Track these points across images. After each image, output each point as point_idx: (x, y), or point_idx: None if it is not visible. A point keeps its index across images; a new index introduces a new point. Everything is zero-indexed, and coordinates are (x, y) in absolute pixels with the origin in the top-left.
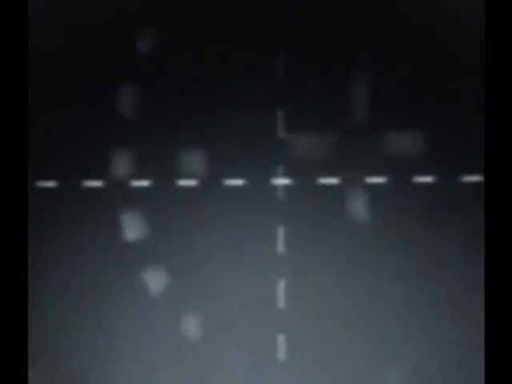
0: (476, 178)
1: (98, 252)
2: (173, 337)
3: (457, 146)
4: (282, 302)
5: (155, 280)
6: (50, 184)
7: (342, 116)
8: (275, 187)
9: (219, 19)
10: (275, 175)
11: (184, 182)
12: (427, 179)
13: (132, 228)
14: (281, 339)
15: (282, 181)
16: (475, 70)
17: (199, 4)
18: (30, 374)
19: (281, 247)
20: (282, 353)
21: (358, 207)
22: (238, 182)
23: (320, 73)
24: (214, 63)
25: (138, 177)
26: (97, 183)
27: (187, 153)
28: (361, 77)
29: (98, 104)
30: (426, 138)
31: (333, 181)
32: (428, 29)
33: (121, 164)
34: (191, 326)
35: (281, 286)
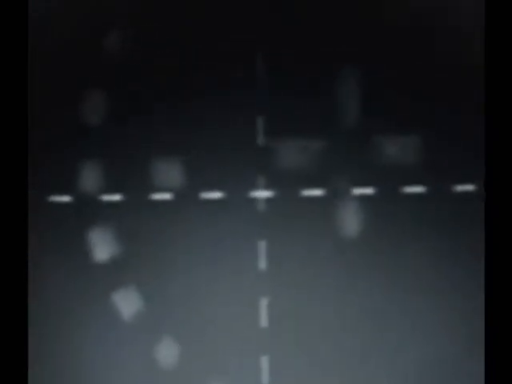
0: (469, 188)
1: (64, 273)
2: (147, 365)
3: (450, 154)
4: (264, 322)
5: (127, 303)
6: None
7: (328, 122)
8: (256, 200)
9: (194, 22)
10: (256, 187)
11: (158, 196)
12: (418, 189)
13: (102, 246)
14: (264, 362)
15: (263, 193)
16: (474, 71)
17: (173, 7)
18: None
19: (262, 263)
20: (265, 376)
21: (346, 220)
22: (216, 194)
23: (304, 74)
24: (188, 68)
25: (109, 191)
26: (64, 198)
27: (161, 164)
28: (349, 78)
29: (61, 112)
30: (419, 144)
31: (318, 192)
32: (423, 27)
33: (89, 177)
34: (167, 352)
35: (263, 304)
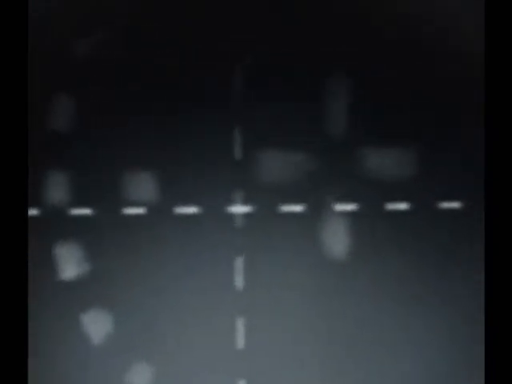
0: (454, 205)
1: (30, 291)
2: None
3: (438, 170)
4: (241, 344)
5: (97, 324)
6: None
7: (310, 133)
8: (233, 215)
9: (167, 31)
10: (233, 202)
11: (130, 210)
12: (402, 206)
13: (70, 263)
14: None
15: (240, 208)
16: (469, 83)
17: (145, 16)
18: None
19: (239, 282)
20: None
21: (328, 238)
22: (191, 209)
23: (284, 83)
24: (162, 79)
25: (78, 204)
26: (31, 211)
27: (134, 177)
28: (335, 87)
29: (29, 118)
30: (409, 158)
31: (298, 208)
32: (412, 36)
33: (57, 189)
34: (140, 377)
35: (240, 324)
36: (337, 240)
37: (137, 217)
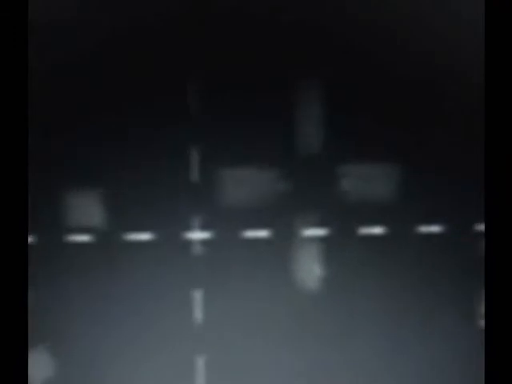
0: (435, 229)
1: None
2: None
3: (418, 192)
4: (201, 383)
5: (38, 366)
6: None
7: (278, 150)
8: (190, 242)
9: (121, 50)
10: (190, 228)
11: (75, 238)
12: (377, 230)
13: None
14: None
15: (198, 234)
16: (459, 95)
17: (106, 34)
18: None
19: (198, 315)
20: None
21: (297, 266)
22: (144, 236)
23: (247, 92)
24: (115, 97)
25: None
26: None
27: (79, 200)
28: (307, 96)
29: None
30: (388, 178)
31: (264, 234)
32: (393, 38)
33: None
34: None
35: (200, 363)
36: (306, 268)
37: (82, 244)
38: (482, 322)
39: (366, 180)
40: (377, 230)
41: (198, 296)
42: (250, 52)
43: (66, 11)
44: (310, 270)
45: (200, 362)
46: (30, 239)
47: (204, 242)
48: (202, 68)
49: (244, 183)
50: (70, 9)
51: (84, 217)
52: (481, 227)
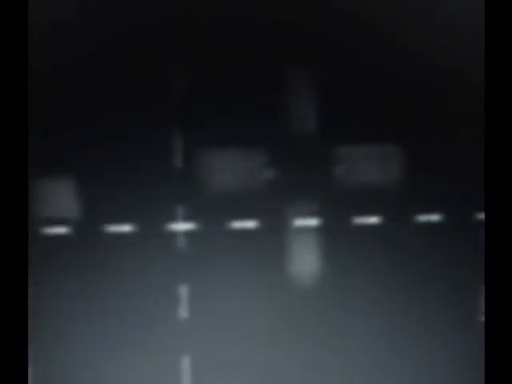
0: (434, 218)
1: None
2: None
3: (416, 180)
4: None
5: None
6: None
7: (267, 132)
8: (174, 234)
9: (104, 33)
10: (173, 218)
11: (51, 230)
12: (374, 220)
13: None
14: None
15: (182, 226)
16: (467, 86)
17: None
18: None
19: (183, 312)
20: None
21: (287, 258)
22: (124, 227)
23: (234, 70)
24: (98, 81)
25: None
26: None
27: (54, 190)
28: (299, 74)
29: None
30: (386, 159)
31: (251, 224)
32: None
33: None
34: None
35: (185, 363)
36: (297, 260)
37: (58, 237)
38: (482, 316)
39: (362, 166)
40: (373, 220)
41: (183, 292)
42: (246, 51)
43: (65, 11)
44: (302, 263)
45: (186, 361)
46: None
47: (188, 234)
48: (202, 68)
49: (230, 169)
50: (70, 9)
51: (59, 207)
52: (481, 216)
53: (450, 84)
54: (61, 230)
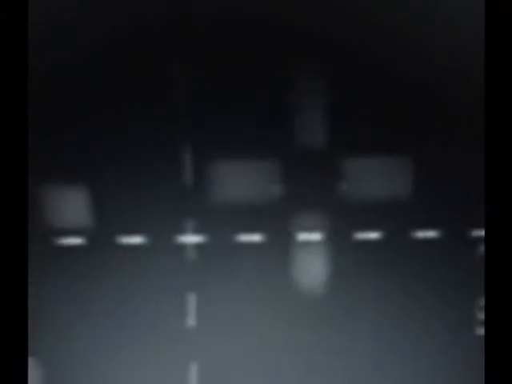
0: (431, 234)
1: None
2: None
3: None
4: None
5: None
6: None
7: (276, 145)
8: (183, 246)
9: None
10: (183, 231)
11: (66, 240)
12: (374, 235)
13: None
14: None
15: (191, 238)
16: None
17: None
18: None
19: (192, 322)
20: None
21: (293, 271)
22: (136, 239)
23: (231, 73)
24: (108, 97)
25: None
26: None
27: (69, 201)
28: (307, 84)
29: None
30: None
31: (258, 237)
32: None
33: None
34: None
35: (193, 370)
36: (302, 273)
37: (73, 247)
38: (482, 329)
39: (365, 180)
40: (374, 235)
41: (191, 301)
42: (249, 51)
43: (65, 11)
44: (307, 275)
45: (193, 369)
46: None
47: (197, 246)
48: (202, 68)
49: (239, 184)
50: (70, 9)
51: (74, 219)
52: (480, 233)
53: (450, 84)
54: (74, 240)
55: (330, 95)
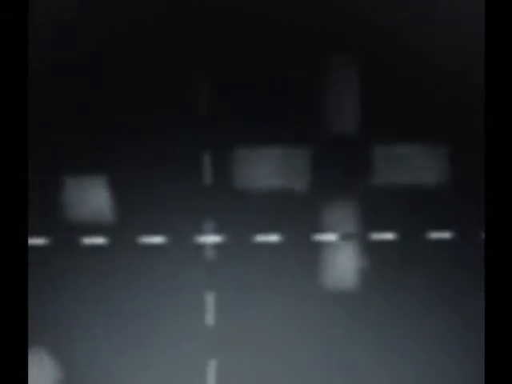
0: (445, 235)
1: None
2: None
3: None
4: None
5: (39, 366)
6: None
7: (292, 150)
8: (203, 246)
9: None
10: (202, 231)
11: (89, 240)
12: (389, 236)
13: None
14: None
15: (210, 238)
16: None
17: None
18: None
19: (210, 319)
20: None
21: (309, 270)
22: (157, 239)
23: (233, 74)
24: (129, 101)
25: (31, 233)
26: None
27: (92, 202)
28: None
29: None
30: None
31: (274, 238)
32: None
33: None
34: None
35: (211, 367)
36: (318, 273)
37: (95, 247)
38: (483, 333)
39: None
40: (389, 236)
41: (210, 299)
42: (244, 45)
43: (65, 11)
44: (326, 274)
45: (211, 366)
46: (41, 240)
47: (216, 246)
48: (202, 68)
49: (258, 184)
50: (70, 9)
51: (96, 220)
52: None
53: (450, 84)
54: (96, 240)
55: (332, 99)
